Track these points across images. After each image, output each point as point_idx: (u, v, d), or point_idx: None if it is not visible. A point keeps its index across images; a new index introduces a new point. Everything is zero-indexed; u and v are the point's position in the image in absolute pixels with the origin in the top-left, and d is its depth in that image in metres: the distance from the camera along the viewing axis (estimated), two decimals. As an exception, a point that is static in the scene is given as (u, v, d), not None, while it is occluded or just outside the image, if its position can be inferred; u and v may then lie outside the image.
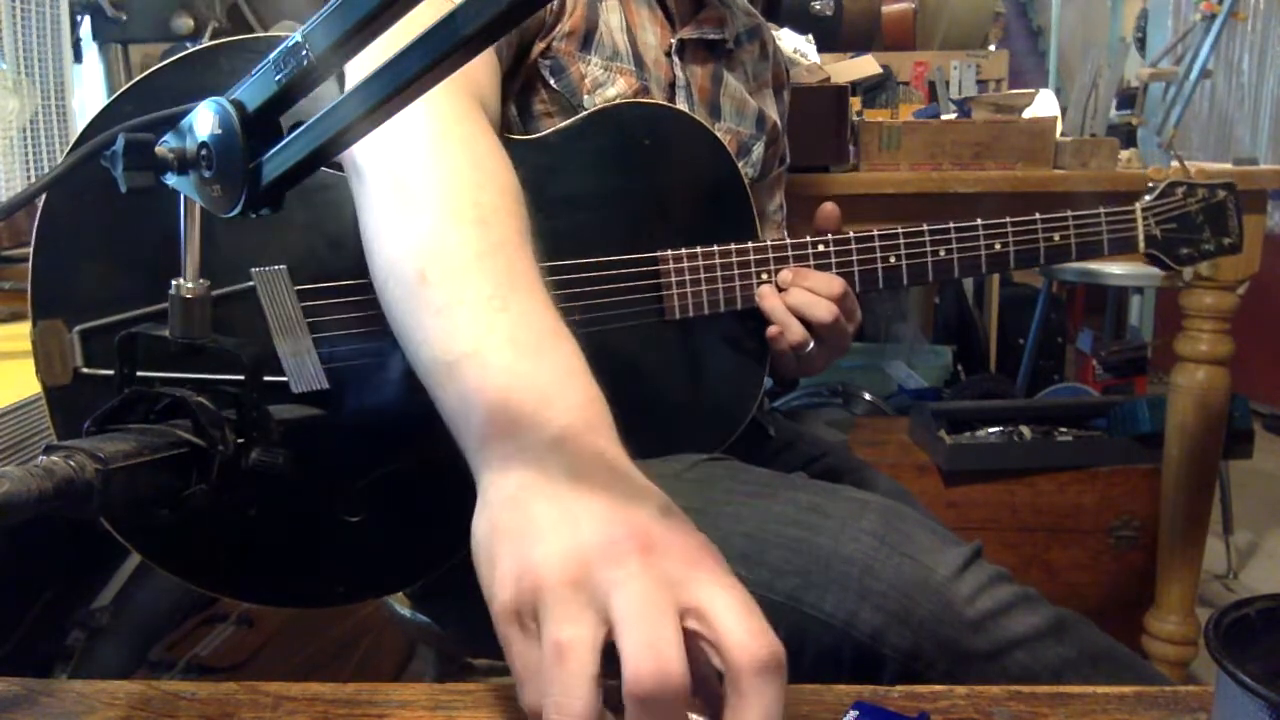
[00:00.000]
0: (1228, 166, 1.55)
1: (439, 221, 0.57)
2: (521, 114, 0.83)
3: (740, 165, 0.89)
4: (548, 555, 0.42)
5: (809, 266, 0.84)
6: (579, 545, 0.42)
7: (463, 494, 0.77)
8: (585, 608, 0.40)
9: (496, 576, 0.44)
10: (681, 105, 0.89)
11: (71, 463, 0.44)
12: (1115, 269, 2.59)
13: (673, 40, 0.91)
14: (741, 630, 0.39)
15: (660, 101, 0.87)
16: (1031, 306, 2.97)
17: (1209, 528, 1.67)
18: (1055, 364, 3.12)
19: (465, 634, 0.89)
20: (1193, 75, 2.21)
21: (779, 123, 1.02)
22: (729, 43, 0.95)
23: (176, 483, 0.50)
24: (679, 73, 0.90)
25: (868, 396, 2.34)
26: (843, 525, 0.68)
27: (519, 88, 0.83)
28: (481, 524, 0.47)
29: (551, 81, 0.82)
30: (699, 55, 0.93)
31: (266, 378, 0.70)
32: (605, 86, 0.84)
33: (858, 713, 0.51)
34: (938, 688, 0.55)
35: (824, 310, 0.83)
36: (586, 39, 0.84)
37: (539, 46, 0.82)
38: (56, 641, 1.25)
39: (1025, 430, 1.82)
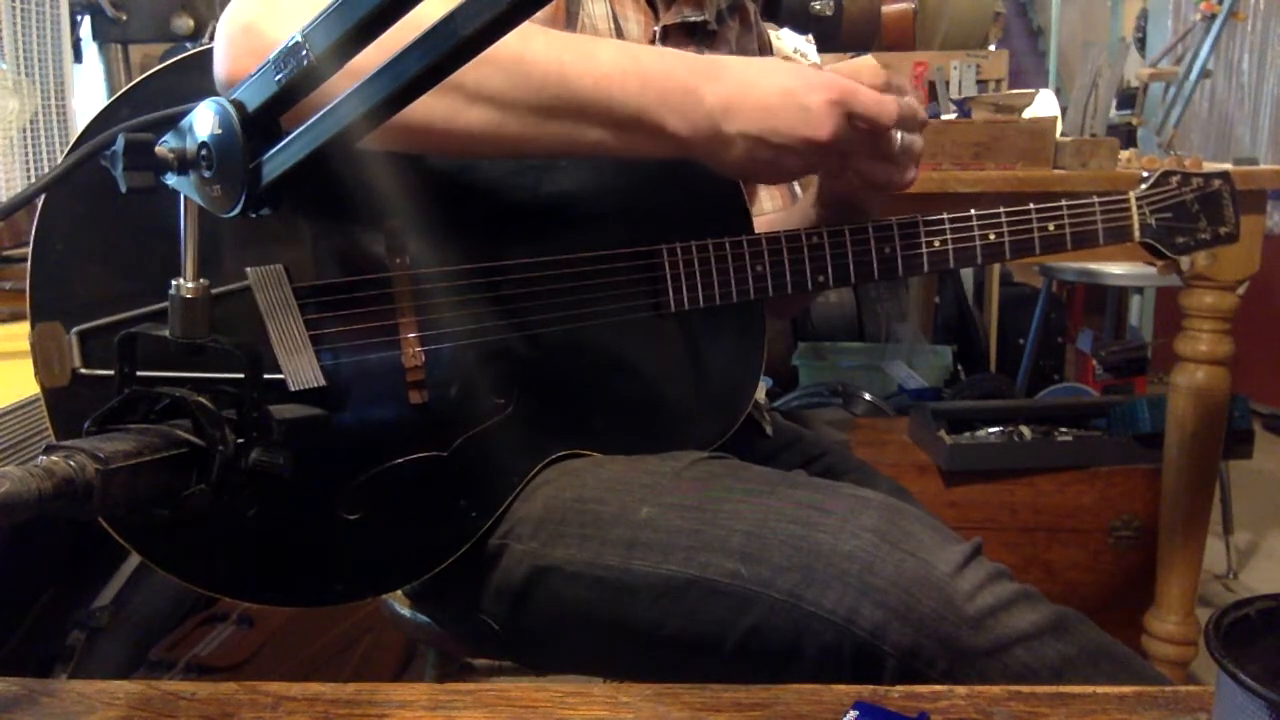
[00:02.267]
0: (1228, 166, 1.55)
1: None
2: None
3: None
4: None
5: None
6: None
7: (461, 492, 0.78)
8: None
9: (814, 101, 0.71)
10: None
11: (71, 463, 0.44)
12: (1115, 269, 2.58)
13: (656, 28, 0.91)
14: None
15: None
16: (1031, 306, 2.97)
17: (1209, 528, 1.66)
18: (1055, 364, 3.12)
19: (465, 634, 0.89)
20: (1193, 75, 2.21)
21: None
22: (711, 23, 0.95)
23: (176, 483, 0.50)
24: None
25: (868, 396, 2.34)
26: (843, 522, 0.68)
27: None
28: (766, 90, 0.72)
29: None
30: (680, 40, 0.93)
31: (266, 375, 0.70)
32: None
33: (858, 713, 0.51)
34: (938, 688, 0.55)
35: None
36: (568, 29, 0.84)
37: None
38: (56, 641, 1.25)
39: (1025, 430, 1.82)
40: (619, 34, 0.88)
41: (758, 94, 0.72)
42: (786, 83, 0.72)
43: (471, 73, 0.68)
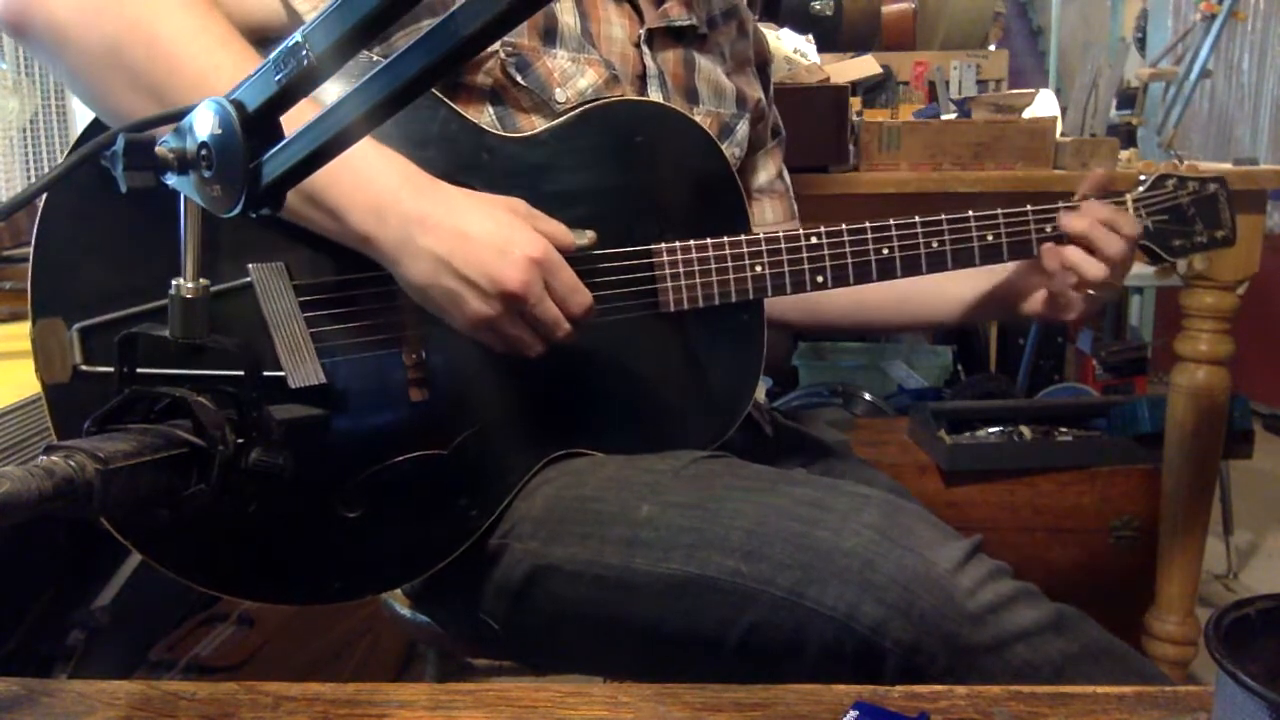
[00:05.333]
0: (1227, 166, 1.55)
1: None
2: (499, 115, 0.83)
3: (725, 146, 0.89)
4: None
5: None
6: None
7: (460, 490, 0.78)
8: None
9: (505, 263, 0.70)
10: (655, 94, 0.89)
11: (71, 463, 0.44)
12: (1115, 269, 2.57)
13: (641, 31, 0.90)
14: None
15: (651, 99, 0.87)
16: (1031, 306, 2.96)
17: (1209, 528, 1.66)
18: (1055, 364, 3.11)
19: (465, 634, 0.89)
20: (1193, 75, 2.20)
21: (763, 99, 1.02)
22: (700, 27, 0.94)
23: (176, 483, 0.50)
24: (650, 62, 0.90)
25: (868, 396, 2.34)
26: (843, 519, 0.69)
27: (490, 89, 0.82)
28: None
29: (518, 78, 0.81)
30: (668, 42, 0.92)
31: (266, 373, 0.70)
32: (575, 78, 0.83)
33: (858, 713, 0.51)
34: (938, 688, 0.55)
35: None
36: (548, 34, 0.84)
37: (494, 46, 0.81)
38: (56, 641, 1.24)
39: (1025, 430, 1.82)
40: (593, 39, 0.87)
41: (463, 223, 0.70)
42: (497, 228, 0.71)
43: (143, 60, 0.68)
